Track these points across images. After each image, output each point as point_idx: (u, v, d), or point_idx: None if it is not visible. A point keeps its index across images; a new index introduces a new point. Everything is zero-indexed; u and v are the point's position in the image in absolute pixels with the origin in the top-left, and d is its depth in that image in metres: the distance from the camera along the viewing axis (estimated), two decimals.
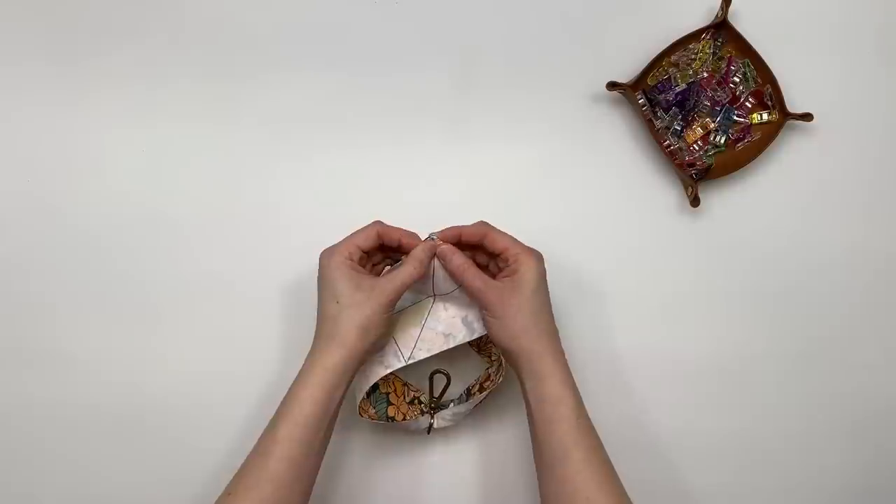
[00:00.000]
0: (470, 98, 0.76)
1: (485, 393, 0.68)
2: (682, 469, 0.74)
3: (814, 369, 0.76)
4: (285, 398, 0.60)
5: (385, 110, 0.76)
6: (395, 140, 0.76)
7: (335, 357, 0.59)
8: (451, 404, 0.69)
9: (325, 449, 0.61)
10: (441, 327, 0.66)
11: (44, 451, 0.72)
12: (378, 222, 0.64)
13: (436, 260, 0.64)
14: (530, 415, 0.61)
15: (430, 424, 0.68)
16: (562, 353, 0.62)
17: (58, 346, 0.72)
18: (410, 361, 0.64)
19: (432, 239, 0.64)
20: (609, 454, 0.61)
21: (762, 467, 0.75)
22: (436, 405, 0.69)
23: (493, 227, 0.64)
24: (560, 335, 0.63)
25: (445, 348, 0.65)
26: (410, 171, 0.76)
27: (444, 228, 0.65)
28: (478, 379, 0.70)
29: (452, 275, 0.63)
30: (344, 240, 0.63)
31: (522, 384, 0.62)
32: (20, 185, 0.74)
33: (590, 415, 0.62)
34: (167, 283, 0.73)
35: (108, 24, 0.75)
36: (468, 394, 0.70)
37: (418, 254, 0.63)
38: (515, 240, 0.63)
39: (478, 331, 0.65)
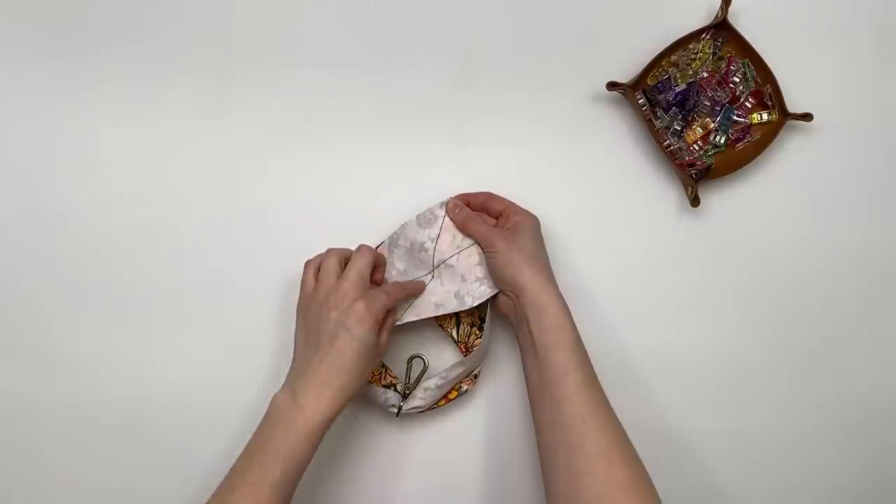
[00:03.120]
0: (469, 98, 0.76)
1: (455, 395, 0.70)
2: (681, 468, 0.74)
3: (813, 369, 0.76)
4: (282, 435, 0.59)
5: (385, 110, 0.76)
6: (394, 140, 0.76)
7: (342, 408, 0.61)
8: (417, 395, 0.69)
9: None
10: (434, 298, 0.69)
11: (44, 451, 0.72)
12: (370, 250, 0.67)
13: (444, 222, 0.69)
14: (531, 345, 0.63)
15: (399, 407, 0.68)
16: (557, 287, 0.65)
17: (57, 346, 0.72)
18: (398, 323, 0.68)
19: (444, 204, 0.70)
20: None
21: (762, 467, 0.75)
22: (410, 390, 0.69)
23: (494, 195, 0.71)
24: None
25: (434, 315, 0.69)
26: (410, 170, 0.76)
27: (454, 196, 0.71)
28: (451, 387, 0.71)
29: (461, 225, 0.69)
30: (380, 295, 0.63)
31: (525, 316, 0.64)
32: (19, 185, 0.74)
33: None
34: (167, 283, 0.73)
35: (107, 24, 0.75)
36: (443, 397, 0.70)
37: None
38: (513, 202, 0.71)
39: (467, 303, 0.68)
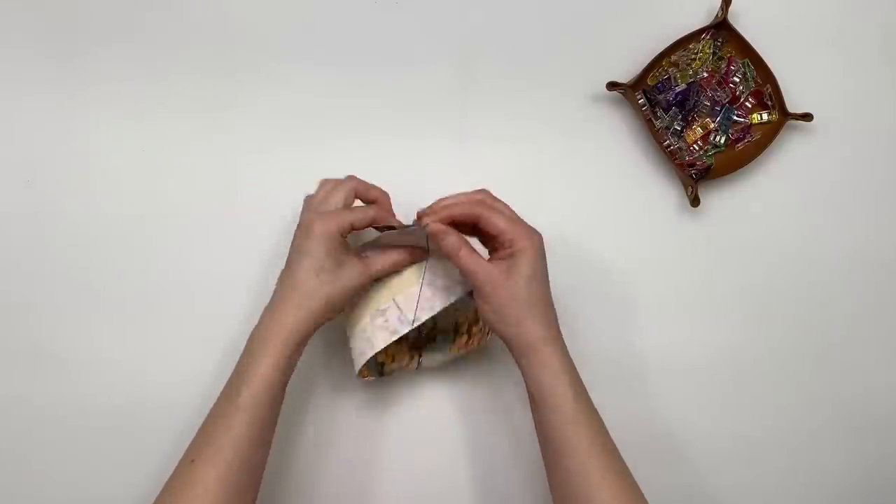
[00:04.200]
0: (470, 98, 0.76)
1: (474, 340, 0.68)
2: (681, 468, 0.74)
3: (813, 369, 0.76)
4: (245, 360, 0.60)
5: (384, 110, 0.76)
6: (394, 139, 0.76)
7: (302, 327, 0.60)
8: (437, 338, 0.68)
9: (280, 409, 0.62)
10: (440, 282, 0.64)
11: (43, 451, 0.72)
12: (352, 178, 0.66)
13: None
14: (532, 397, 0.60)
15: (419, 362, 0.67)
16: (558, 339, 0.60)
17: (56, 347, 0.72)
18: (416, 324, 0.63)
19: (418, 226, 0.61)
20: None
21: (762, 467, 0.75)
22: (423, 343, 0.69)
23: (488, 204, 0.61)
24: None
25: (448, 304, 0.64)
26: (410, 170, 0.75)
27: (438, 200, 0.62)
28: (467, 317, 0.69)
29: (446, 255, 0.60)
30: (344, 212, 0.62)
31: (522, 368, 0.60)
32: (19, 185, 0.74)
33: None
34: (166, 283, 0.73)
35: (106, 23, 0.75)
36: (456, 331, 0.69)
37: (400, 255, 0.64)
38: (513, 219, 0.60)
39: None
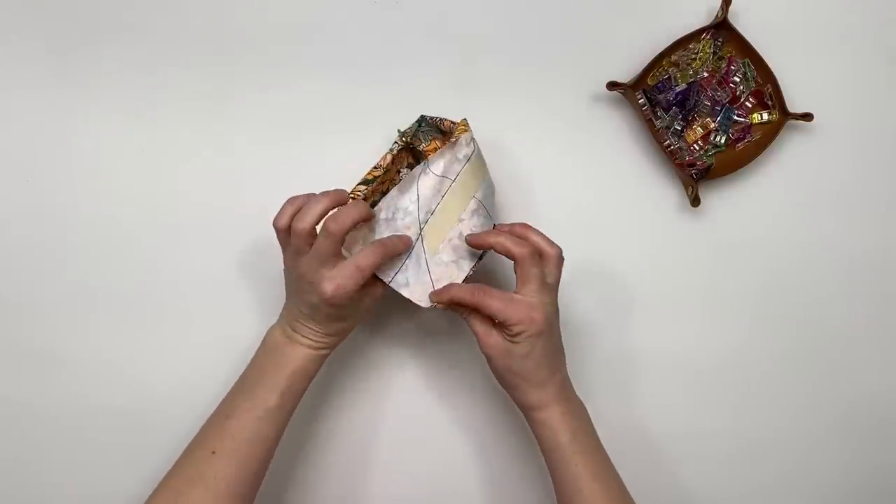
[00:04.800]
0: (469, 98, 0.76)
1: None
2: (681, 468, 0.74)
3: (812, 369, 0.76)
4: (274, 360, 0.62)
5: (384, 110, 0.76)
6: (394, 140, 0.76)
7: (334, 343, 0.64)
8: (421, 132, 0.69)
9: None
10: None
11: (44, 451, 0.72)
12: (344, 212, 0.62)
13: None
14: (539, 442, 0.63)
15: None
16: (558, 400, 0.62)
17: (56, 346, 0.72)
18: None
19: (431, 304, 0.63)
20: (608, 454, 0.61)
21: (761, 466, 0.75)
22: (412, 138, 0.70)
23: (487, 293, 0.60)
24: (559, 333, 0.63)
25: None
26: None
27: (442, 291, 0.63)
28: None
29: (463, 317, 0.63)
30: (350, 270, 0.59)
31: (529, 423, 0.63)
32: (19, 185, 0.74)
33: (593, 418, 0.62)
34: (167, 283, 0.73)
35: (107, 23, 0.75)
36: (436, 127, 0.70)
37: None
38: (510, 302, 0.60)
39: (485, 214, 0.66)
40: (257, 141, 0.75)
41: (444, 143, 0.69)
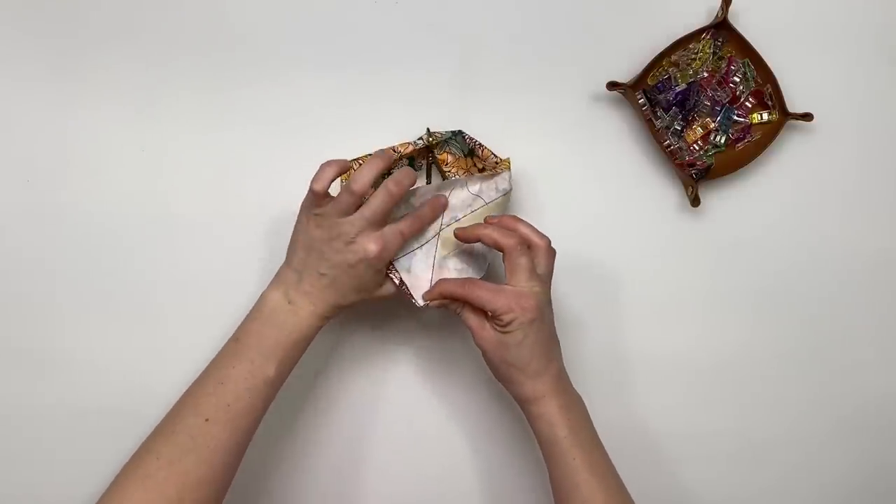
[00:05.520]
0: (469, 98, 0.76)
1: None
2: (681, 468, 0.74)
3: (813, 369, 0.76)
4: (269, 330, 0.61)
5: (384, 111, 0.76)
6: (394, 140, 0.76)
7: (333, 314, 0.63)
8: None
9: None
10: (452, 263, 0.67)
11: (44, 451, 0.72)
12: (395, 184, 0.64)
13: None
14: (534, 433, 0.63)
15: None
16: (555, 391, 0.61)
17: (57, 346, 0.72)
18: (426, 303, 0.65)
19: (425, 303, 0.64)
20: (608, 453, 0.61)
21: (761, 467, 0.75)
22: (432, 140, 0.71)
23: (475, 284, 0.62)
24: (558, 335, 0.63)
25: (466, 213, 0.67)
26: None
27: (432, 289, 0.64)
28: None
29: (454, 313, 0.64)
30: (397, 241, 0.63)
31: (524, 412, 0.63)
32: (19, 185, 0.74)
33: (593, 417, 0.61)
34: (167, 283, 0.73)
35: (107, 23, 0.75)
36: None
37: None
38: (499, 292, 0.60)
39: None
40: (257, 140, 0.75)
41: (464, 163, 0.72)
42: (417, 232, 0.65)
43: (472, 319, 0.62)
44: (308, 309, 0.62)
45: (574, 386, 0.64)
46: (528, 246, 0.62)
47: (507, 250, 0.61)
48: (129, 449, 0.71)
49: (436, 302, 0.63)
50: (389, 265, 0.65)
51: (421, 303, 0.64)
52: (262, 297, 0.63)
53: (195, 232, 0.74)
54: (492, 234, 0.62)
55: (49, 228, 0.74)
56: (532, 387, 0.61)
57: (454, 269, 0.67)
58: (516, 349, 0.60)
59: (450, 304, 0.63)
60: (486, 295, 0.60)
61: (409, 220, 0.64)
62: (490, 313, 0.61)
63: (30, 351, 0.72)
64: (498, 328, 0.60)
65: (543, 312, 0.61)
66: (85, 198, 0.74)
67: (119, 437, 0.71)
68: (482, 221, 0.66)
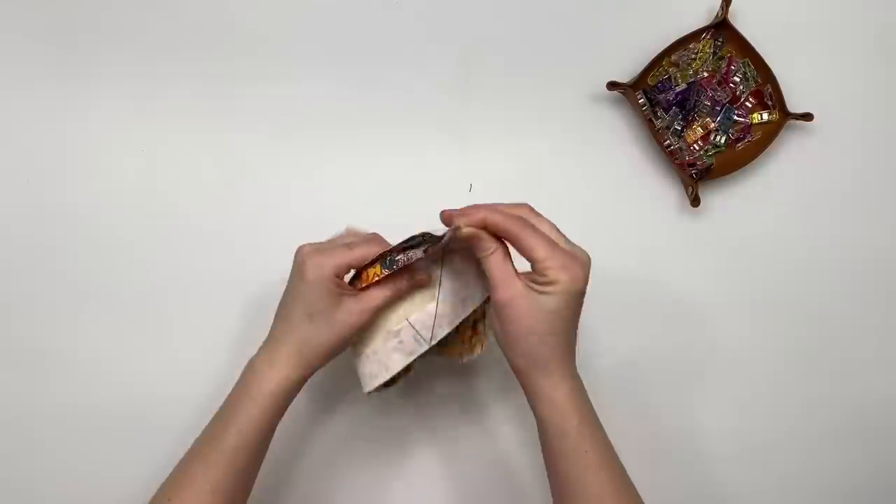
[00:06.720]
0: (470, 98, 0.76)
1: (474, 346, 0.63)
2: (680, 468, 0.74)
3: (813, 369, 0.76)
4: (233, 402, 0.58)
5: (384, 111, 0.76)
6: (394, 140, 0.76)
7: (298, 373, 0.57)
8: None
9: (267, 451, 0.60)
10: (457, 295, 0.60)
11: (44, 451, 0.72)
12: (378, 238, 0.61)
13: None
14: (536, 417, 0.57)
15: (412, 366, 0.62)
16: (568, 376, 0.55)
17: (57, 347, 0.72)
18: (434, 341, 0.59)
19: (450, 231, 0.54)
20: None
21: (761, 467, 0.75)
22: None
23: (528, 224, 0.53)
24: None
25: (465, 315, 0.60)
26: (409, 170, 0.75)
27: (471, 206, 0.55)
28: (466, 324, 0.62)
29: (479, 256, 0.55)
30: (339, 252, 0.58)
31: (527, 394, 0.57)
32: (19, 185, 0.74)
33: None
34: (167, 283, 0.73)
35: (107, 24, 0.75)
36: (454, 333, 0.62)
37: (402, 283, 0.59)
38: (555, 246, 0.53)
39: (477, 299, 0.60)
40: (257, 141, 0.75)
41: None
42: (362, 258, 0.58)
43: (500, 268, 0.53)
44: (267, 366, 0.58)
45: None
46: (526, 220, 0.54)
47: (515, 232, 0.53)
48: (130, 449, 0.71)
49: (468, 230, 0.53)
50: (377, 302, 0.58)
51: (420, 238, 0.56)
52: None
53: (195, 232, 0.74)
54: (492, 218, 0.53)
55: (49, 228, 0.73)
56: (546, 368, 0.54)
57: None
58: (550, 317, 0.52)
59: (483, 241, 0.53)
60: (538, 240, 0.52)
61: (361, 240, 0.59)
62: (533, 264, 0.52)
63: (29, 351, 0.72)
64: (535, 286, 0.52)
65: (585, 290, 0.53)
66: (85, 198, 0.74)
67: (119, 437, 0.72)
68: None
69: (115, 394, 0.72)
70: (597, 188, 0.76)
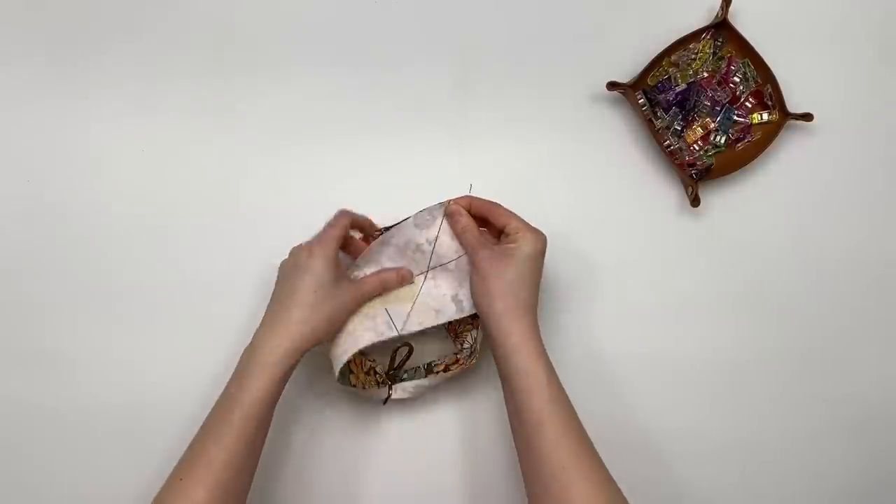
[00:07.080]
0: (470, 98, 0.76)
1: (451, 373, 0.68)
2: (679, 469, 0.74)
3: (813, 369, 0.76)
4: (239, 380, 0.61)
5: (384, 110, 0.76)
6: (394, 140, 0.76)
7: (299, 345, 0.61)
8: (405, 375, 0.69)
9: (269, 427, 0.62)
10: (433, 303, 0.67)
11: (44, 451, 0.72)
12: (344, 210, 0.67)
13: (442, 224, 0.67)
14: (503, 386, 0.62)
15: (389, 395, 0.68)
16: (535, 327, 0.62)
17: (58, 346, 0.72)
18: (404, 332, 0.66)
19: (439, 207, 0.66)
20: (603, 455, 0.61)
21: (761, 468, 0.75)
22: (392, 377, 0.69)
23: (504, 207, 0.66)
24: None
25: (436, 324, 0.66)
26: (409, 170, 0.76)
27: (458, 197, 0.67)
28: (443, 358, 0.70)
29: (456, 233, 0.66)
30: (328, 237, 0.64)
31: (494, 352, 0.62)
32: (19, 185, 0.74)
33: (582, 412, 0.61)
34: (167, 283, 0.73)
35: (107, 24, 0.75)
36: (427, 369, 0.69)
37: (389, 275, 0.67)
38: (521, 218, 0.65)
39: (466, 309, 0.66)
40: (257, 140, 0.75)
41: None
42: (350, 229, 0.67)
43: (478, 237, 0.65)
44: (267, 342, 0.61)
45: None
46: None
47: (491, 208, 0.65)
48: (130, 448, 0.71)
49: (455, 206, 0.66)
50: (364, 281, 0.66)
51: (411, 221, 0.67)
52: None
53: (196, 231, 0.74)
54: (474, 203, 0.66)
55: (49, 228, 0.74)
56: (516, 315, 0.61)
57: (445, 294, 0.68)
58: (517, 266, 0.62)
59: (461, 220, 0.65)
60: (511, 215, 0.64)
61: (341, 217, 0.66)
62: (502, 229, 0.64)
63: (29, 351, 0.72)
64: (507, 244, 0.63)
65: (543, 260, 0.64)
66: (85, 198, 0.74)
67: (122, 436, 0.72)
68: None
69: (115, 394, 0.72)
70: (596, 188, 0.76)
